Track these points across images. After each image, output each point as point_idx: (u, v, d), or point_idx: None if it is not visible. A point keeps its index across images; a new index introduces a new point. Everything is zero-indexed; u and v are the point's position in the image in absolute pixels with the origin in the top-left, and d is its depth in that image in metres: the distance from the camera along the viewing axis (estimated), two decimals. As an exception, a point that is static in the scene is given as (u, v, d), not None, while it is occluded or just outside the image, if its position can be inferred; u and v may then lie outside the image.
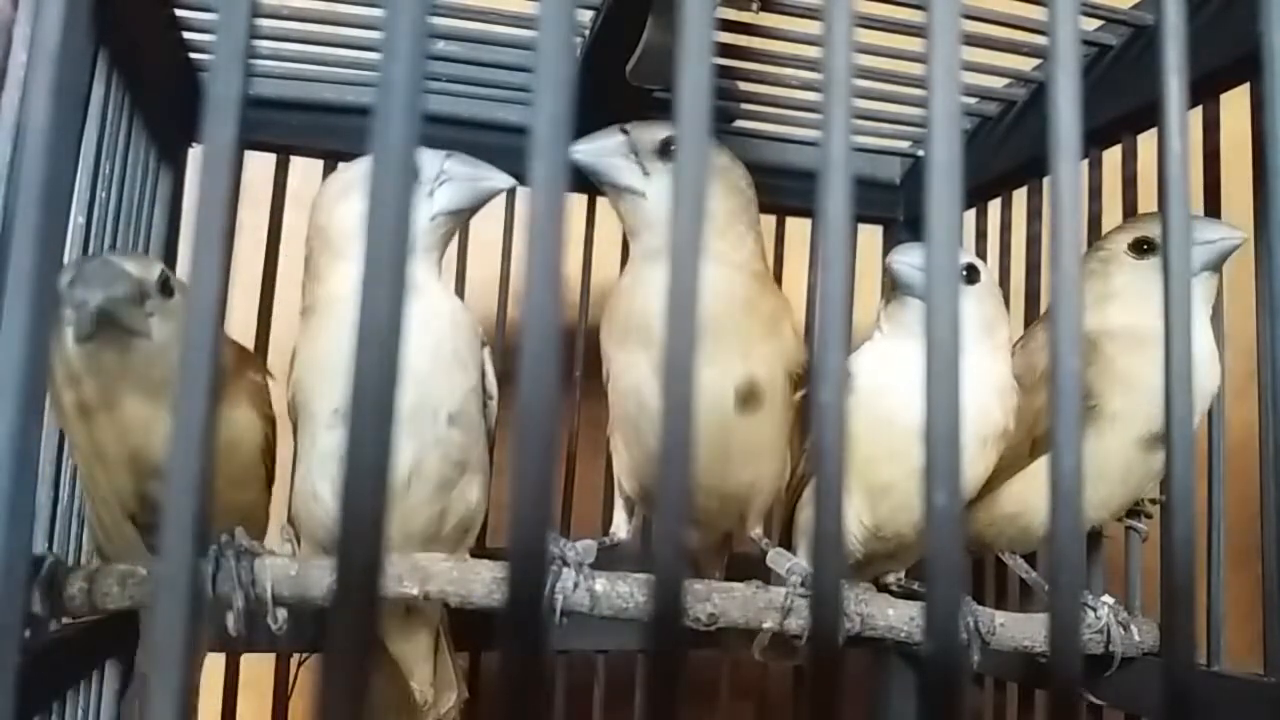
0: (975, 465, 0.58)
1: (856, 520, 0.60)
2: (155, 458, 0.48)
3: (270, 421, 0.58)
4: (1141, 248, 0.60)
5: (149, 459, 0.49)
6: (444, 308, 0.55)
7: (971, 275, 0.59)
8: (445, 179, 0.55)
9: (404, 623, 0.60)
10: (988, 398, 0.58)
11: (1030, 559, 0.67)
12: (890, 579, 0.68)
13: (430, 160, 0.55)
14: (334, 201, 0.55)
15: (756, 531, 0.62)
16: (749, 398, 0.57)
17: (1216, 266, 0.58)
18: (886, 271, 0.59)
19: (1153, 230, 0.60)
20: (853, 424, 0.58)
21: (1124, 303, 0.59)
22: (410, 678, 0.61)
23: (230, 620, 0.48)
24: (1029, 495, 0.62)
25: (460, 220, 0.57)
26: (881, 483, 0.58)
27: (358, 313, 0.19)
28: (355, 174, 0.56)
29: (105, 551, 0.54)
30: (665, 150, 0.56)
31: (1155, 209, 0.58)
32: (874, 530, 0.60)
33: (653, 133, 0.57)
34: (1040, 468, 0.62)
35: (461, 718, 0.65)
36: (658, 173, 0.56)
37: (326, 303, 0.54)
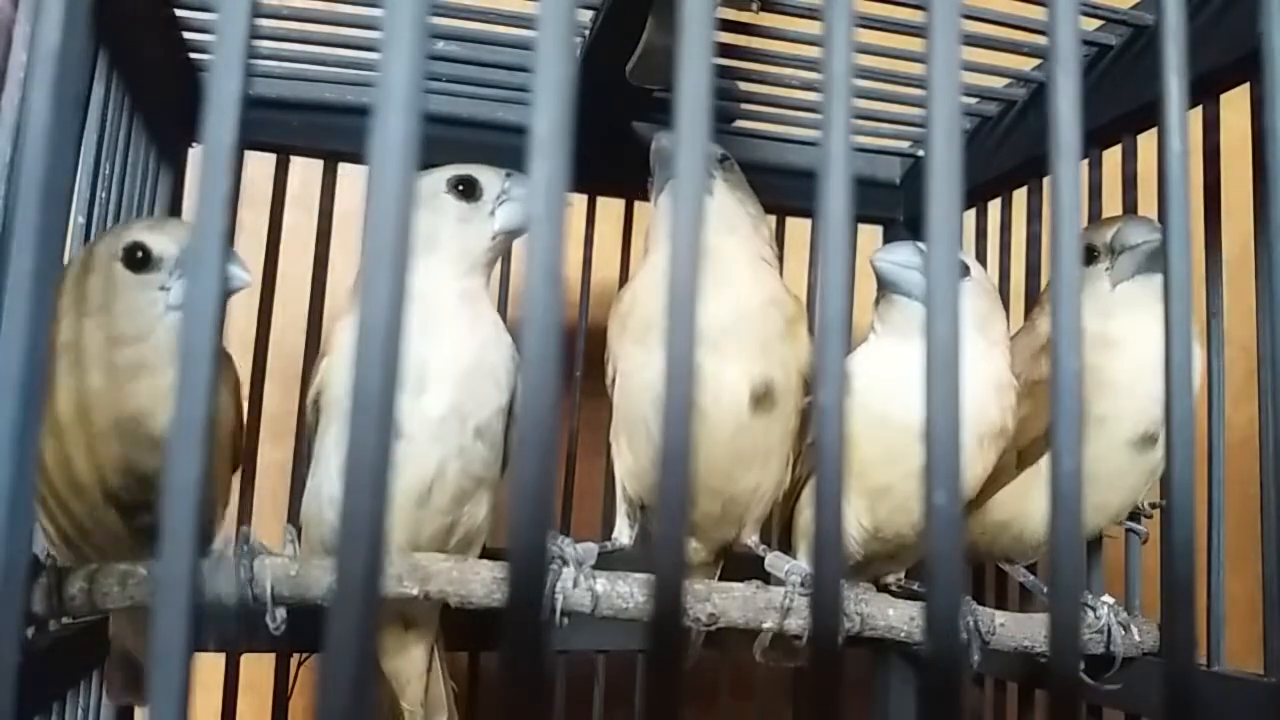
0: (974, 464, 0.58)
1: (856, 522, 0.60)
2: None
3: (239, 411, 0.58)
4: (1091, 255, 0.60)
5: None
6: (489, 321, 0.56)
7: (962, 271, 0.59)
8: (505, 199, 0.56)
9: (400, 639, 0.60)
10: (984, 395, 0.58)
11: (1031, 566, 0.67)
12: (890, 579, 0.67)
13: (491, 179, 0.56)
14: None
15: (753, 539, 0.62)
16: (764, 398, 0.57)
17: (1149, 269, 0.58)
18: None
19: (1091, 238, 0.60)
20: (851, 426, 0.58)
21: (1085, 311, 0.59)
22: (401, 696, 0.61)
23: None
24: (1019, 503, 0.62)
25: (516, 238, 0.58)
26: (880, 484, 0.58)
27: (361, 312, 0.19)
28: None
29: (80, 549, 0.51)
30: (723, 162, 0.61)
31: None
32: (873, 532, 0.60)
33: (713, 147, 0.61)
34: (1028, 477, 0.62)
35: (461, 717, 0.65)
36: (716, 181, 0.60)
37: None
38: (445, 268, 0.54)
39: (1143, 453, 0.59)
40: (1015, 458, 0.61)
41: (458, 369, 0.53)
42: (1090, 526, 0.63)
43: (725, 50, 0.69)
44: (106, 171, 0.57)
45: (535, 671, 0.19)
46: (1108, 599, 0.62)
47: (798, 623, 0.55)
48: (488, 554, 0.57)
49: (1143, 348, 0.57)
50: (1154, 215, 0.61)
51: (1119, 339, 0.58)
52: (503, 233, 0.56)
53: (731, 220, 0.59)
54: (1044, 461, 0.61)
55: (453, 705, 0.63)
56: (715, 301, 0.55)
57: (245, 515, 0.67)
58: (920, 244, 0.58)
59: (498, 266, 0.77)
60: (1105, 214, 0.68)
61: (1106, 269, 0.59)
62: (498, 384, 0.55)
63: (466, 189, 0.56)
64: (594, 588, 0.53)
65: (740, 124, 0.78)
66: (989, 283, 0.63)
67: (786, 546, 0.64)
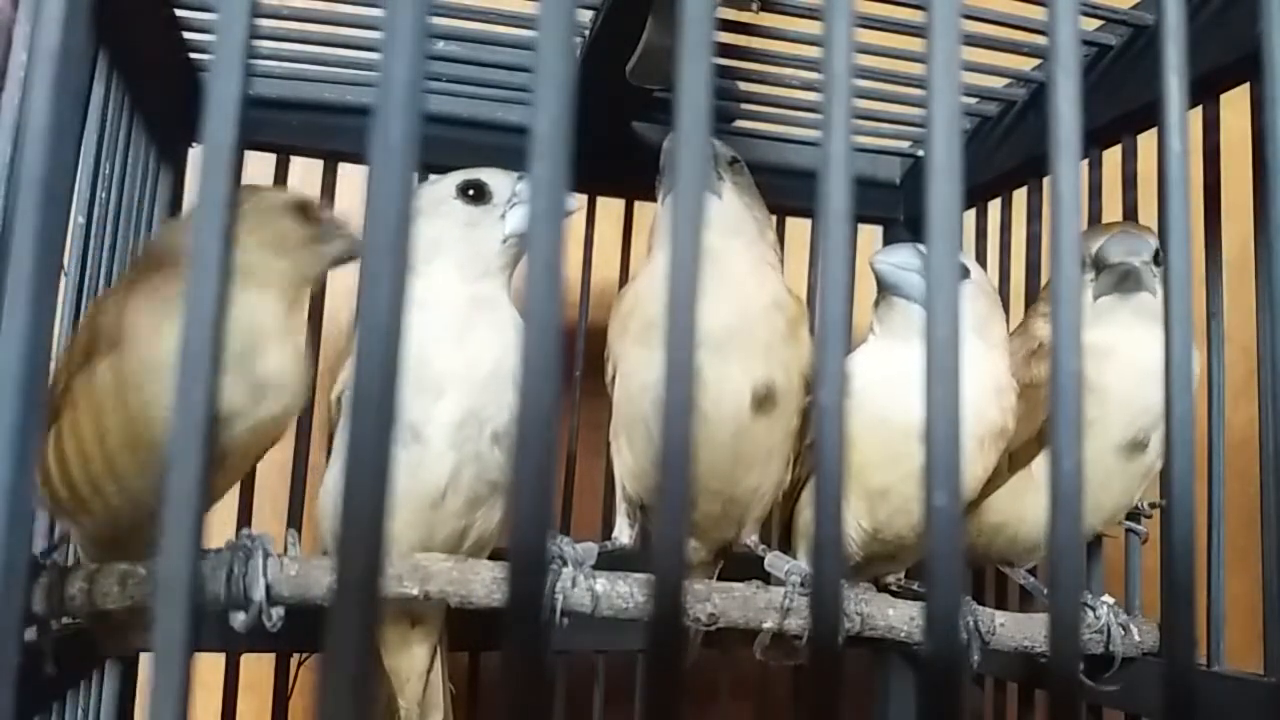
0: (973, 466, 0.58)
1: (855, 523, 0.60)
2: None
3: None
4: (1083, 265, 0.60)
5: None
6: (510, 326, 0.55)
7: (961, 273, 0.59)
8: (516, 201, 0.55)
9: (404, 636, 0.60)
10: (983, 397, 0.58)
11: (1031, 568, 0.67)
12: (890, 580, 0.68)
13: (503, 182, 0.56)
14: None
15: (753, 539, 0.62)
16: (765, 400, 0.57)
17: (1125, 288, 0.58)
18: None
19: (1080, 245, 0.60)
20: (849, 427, 0.58)
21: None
22: (399, 694, 0.61)
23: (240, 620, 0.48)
24: (1013, 505, 0.62)
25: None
26: (879, 486, 0.58)
27: (361, 312, 0.19)
28: (422, 197, 0.56)
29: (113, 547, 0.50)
30: (733, 165, 0.61)
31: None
32: (873, 533, 0.60)
33: (725, 150, 0.61)
34: (1021, 479, 0.62)
35: (460, 717, 0.65)
36: (725, 183, 0.60)
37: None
38: (454, 272, 0.54)
39: (1131, 458, 0.60)
40: (1007, 460, 0.61)
41: (476, 375, 0.53)
42: (1084, 528, 0.63)
43: (725, 50, 0.69)
44: (106, 171, 0.56)
45: (535, 671, 0.19)
46: (1108, 599, 0.62)
47: (798, 623, 0.55)
48: (490, 554, 0.57)
49: (1127, 357, 0.58)
50: (1154, 215, 0.61)
51: (1102, 349, 0.58)
52: (514, 236, 0.55)
53: (738, 223, 0.59)
54: (1036, 464, 0.61)
55: (449, 706, 0.63)
56: (719, 304, 0.55)
57: (245, 515, 0.67)
58: (920, 245, 0.58)
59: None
60: (1105, 213, 0.68)
61: (1091, 280, 0.59)
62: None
63: (476, 193, 0.55)
64: (594, 588, 0.53)
65: (740, 124, 0.78)
66: (989, 284, 0.63)
67: (786, 546, 0.64)
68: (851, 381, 0.59)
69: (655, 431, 0.58)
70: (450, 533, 0.55)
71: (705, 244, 0.63)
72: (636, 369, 0.59)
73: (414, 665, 0.61)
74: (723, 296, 0.56)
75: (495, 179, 0.56)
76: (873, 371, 0.58)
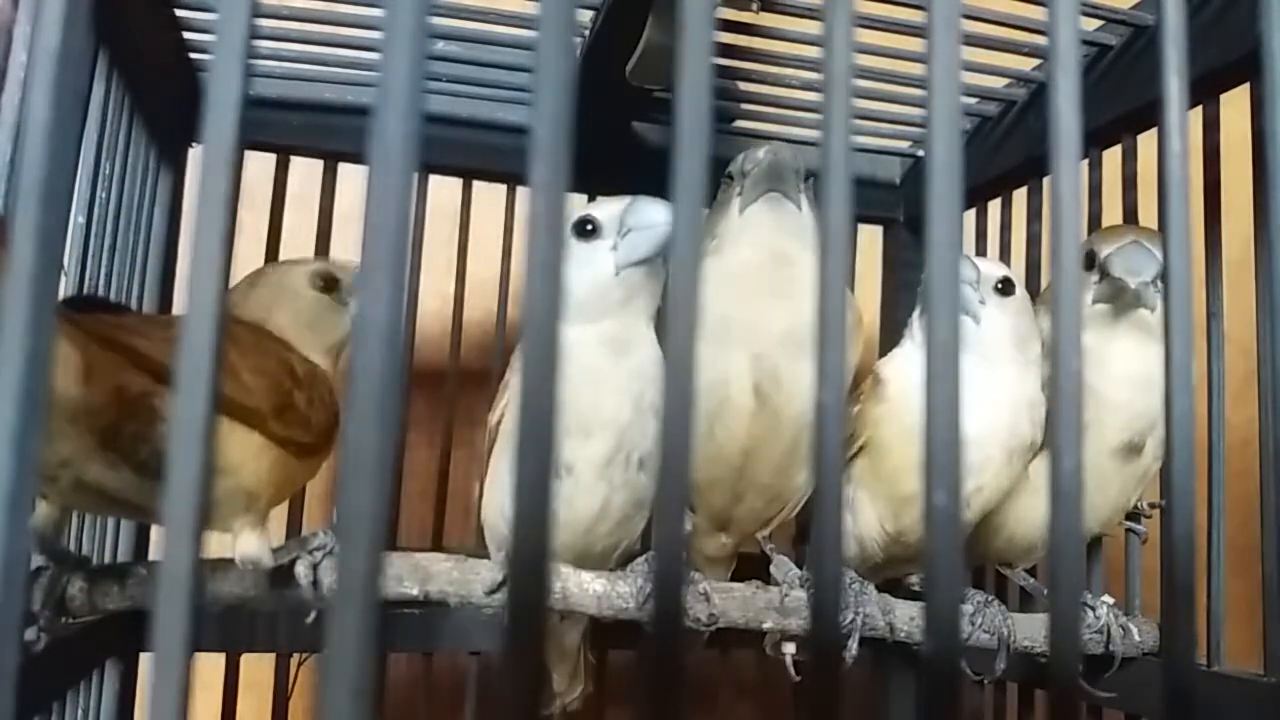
0: (1000, 477, 0.58)
1: (879, 527, 0.61)
2: None
3: None
4: (1089, 261, 0.59)
5: None
6: (651, 361, 0.54)
7: (1007, 288, 0.59)
8: (627, 230, 0.53)
9: (556, 628, 0.62)
10: (1018, 412, 0.58)
11: (1030, 569, 0.67)
12: (913, 579, 0.68)
13: (611, 213, 0.54)
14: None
15: (764, 533, 0.62)
16: None
17: (1125, 303, 0.58)
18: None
19: (1093, 244, 0.59)
20: (883, 433, 0.59)
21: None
22: (552, 670, 0.64)
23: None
24: (1009, 505, 0.62)
25: (654, 267, 0.54)
26: (908, 493, 0.58)
27: (361, 312, 0.19)
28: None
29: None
30: (807, 180, 0.60)
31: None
32: (895, 536, 0.61)
33: (804, 164, 0.60)
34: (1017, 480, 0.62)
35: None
36: (804, 196, 0.59)
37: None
38: (578, 314, 0.52)
39: (1127, 461, 0.60)
40: None
41: (624, 411, 0.53)
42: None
43: (725, 50, 0.69)
44: (106, 171, 0.56)
45: (536, 672, 0.19)
46: (1107, 599, 0.62)
47: (797, 622, 0.56)
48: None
49: (1121, 361, 0.58)
50: (1154, 215, 0.61)
51: (1096, 353, 0.58)
52: (626, 267, 0.53)
53: (812, 235, 0.59)
54: (1032, 466, 0.61)
55: (589, 676, 0.67)
56: (798, 304, 0.55)
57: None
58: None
59: (496, 265, 0.77)
60: (1105, 213, 0.68)
61: (1095, 282, 0.59)
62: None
63: (588, 229, 0.54)
64: (594, 588, 0.53)
65: (740, 124, 0.78)
66: (1028, 301, 0.62)
67: (802, 544, 0.65)
68: (887, 388, 0.59)
69: (715, 429, 0.57)
70: (604, 548, 0.57)
71: (784, 249, 0.63)
72: (702, 368, 0.59)
73: (564, 649, 0.64)
74: (799, 298, 0.55)
75: (603, 210, 0.54)
76: (908, 379, 0.59)
